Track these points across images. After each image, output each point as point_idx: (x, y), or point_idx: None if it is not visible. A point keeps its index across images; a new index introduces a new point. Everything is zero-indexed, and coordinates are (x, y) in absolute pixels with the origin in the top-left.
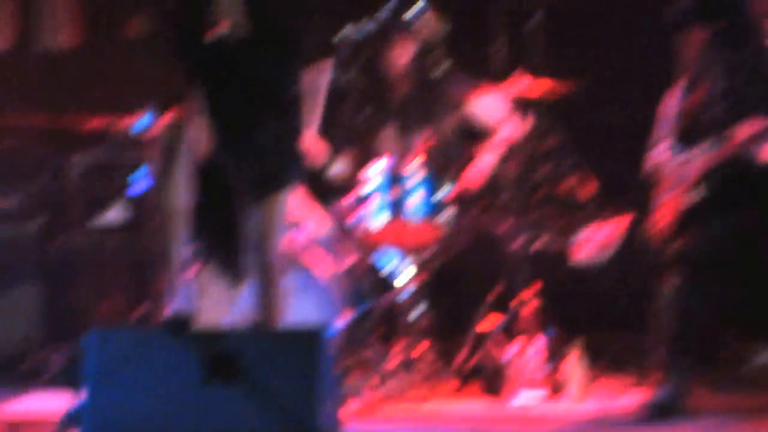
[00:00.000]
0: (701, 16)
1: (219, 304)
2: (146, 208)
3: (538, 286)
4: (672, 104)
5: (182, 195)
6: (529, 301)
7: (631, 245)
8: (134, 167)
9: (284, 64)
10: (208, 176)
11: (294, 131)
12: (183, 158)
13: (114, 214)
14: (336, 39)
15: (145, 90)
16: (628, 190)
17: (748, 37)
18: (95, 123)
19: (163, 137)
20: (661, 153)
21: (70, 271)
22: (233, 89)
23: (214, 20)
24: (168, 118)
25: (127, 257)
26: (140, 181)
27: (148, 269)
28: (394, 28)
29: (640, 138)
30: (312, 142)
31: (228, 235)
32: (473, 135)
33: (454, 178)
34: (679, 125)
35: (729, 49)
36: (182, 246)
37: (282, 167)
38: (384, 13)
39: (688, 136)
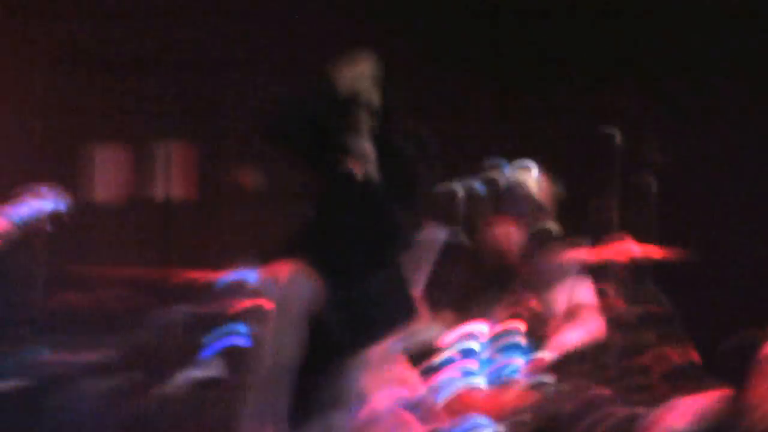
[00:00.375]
0: None
1: None
2: (238, 365)
3: None
4: None
5: (288, 353)
6: None
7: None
8: (231, 320)
9: (407, 215)
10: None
11: (404, 283)
12: (291, 315)
13: (206, 369)
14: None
15: (249, 243)
16: (728, 362)
17: None
18: (196, 275)
19: (270, 291)
20: None
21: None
22: (352, 233)
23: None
24: (273, 272)
25: (221, 412)
26: (236, 336)
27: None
28: (504, 203)
29: (747, 311)
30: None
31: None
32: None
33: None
34: None
35: None
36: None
37: (394, 314)
38: (494, 173)
39: None
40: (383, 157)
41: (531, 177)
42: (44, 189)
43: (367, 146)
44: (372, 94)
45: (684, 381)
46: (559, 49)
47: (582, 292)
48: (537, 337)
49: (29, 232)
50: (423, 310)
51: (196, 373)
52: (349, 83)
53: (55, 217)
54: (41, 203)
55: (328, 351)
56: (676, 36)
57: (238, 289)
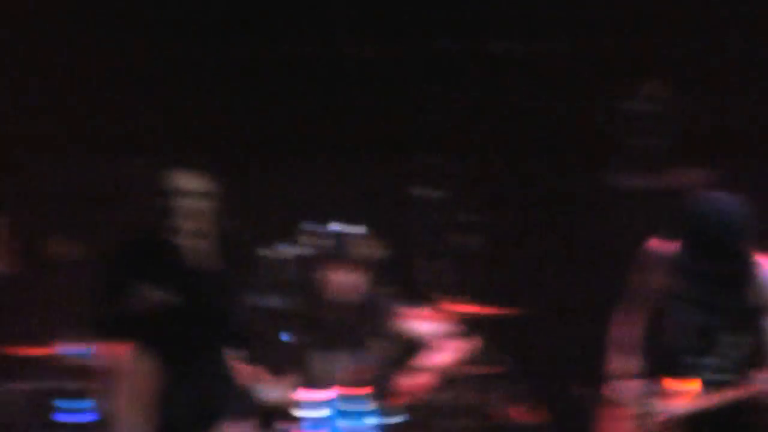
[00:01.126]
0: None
1: None
2: None
3: None
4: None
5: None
6: None
7: None
8: (72, 396)
9: (234, 299)
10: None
11: (229, 365)
12: (138, 393)
13: None
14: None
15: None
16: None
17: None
18: (32, 351)
19: (110, 370)
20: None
21: None
22: (183, 321)
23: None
24: (110, 351)
25: None
26: (83, 412)
27: None
28: (331, 255)
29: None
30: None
31: None
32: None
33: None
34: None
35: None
36: None
37: (223, 402)
38: (323, 238)
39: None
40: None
41: (355, 236)
42: None
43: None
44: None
45: None
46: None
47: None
48: (383, 400)
49: None
50: (264, 374)
51: None
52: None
53: None
54: None
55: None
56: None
57: (74, 365)
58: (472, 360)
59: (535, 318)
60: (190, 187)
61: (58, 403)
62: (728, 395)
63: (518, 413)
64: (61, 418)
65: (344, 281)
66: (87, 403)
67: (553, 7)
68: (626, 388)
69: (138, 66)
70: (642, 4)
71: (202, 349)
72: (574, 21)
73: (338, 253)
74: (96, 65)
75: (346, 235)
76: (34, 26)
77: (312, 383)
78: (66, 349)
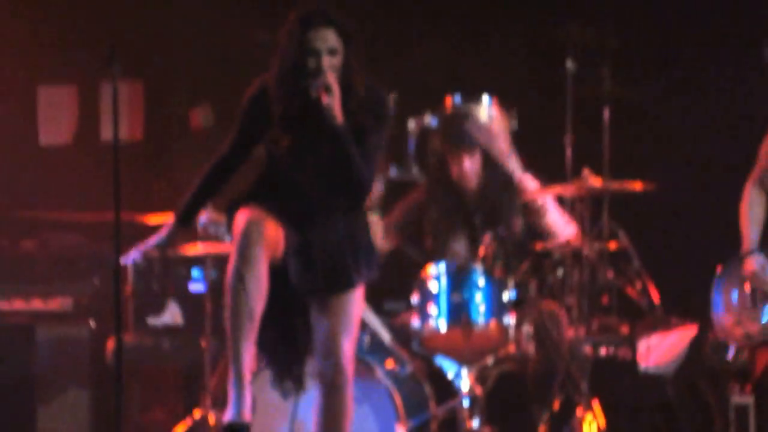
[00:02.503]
0: None
1: (274, 414)
2: (203, 310)
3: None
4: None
5: (254, 295)
6: (590, 417)
7: (698, 355)
8: (192, 264)
9: (369, 162)
10: (276, 282)
11: (366, 227)
12: (258, 255)
13: (170, 316)
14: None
15: None
16: (693, 298)
17: None
18: (156, 220)
19: (239, 237)
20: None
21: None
22: (319, 176)
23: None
24: (237, 217)
25: (181, 360)
26: (198, 282)
27: (202, 373)
28: (459, 136)
29: (710, 243)
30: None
31: (288, 345)
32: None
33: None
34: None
35: None
36: (244, 351)
37: (357, 263)
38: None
39: None
40: (345, 101)
41: (485, 109)
42: None
43: (332, 81)
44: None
45: (644, 319)
46: None
47: (556, 223)
48: (500, 275)
49: None
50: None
51: (157, 320)
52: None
53: None
54: None
55: (291, 296)
56: None
57: (194, 235)
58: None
59: (662, 194)
60: (323, 45)
61: (192, 269)
62: None
63: (635, 293)
64: (192, 284)
65: (470, 167)
66: (200, 272)
67: None
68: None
69: None
70: None
71: (333, 207)
72: None
73: (461, 136)
74: None
75: (473, 115)
76: None
77: (448, 257)
78: (202, 218)
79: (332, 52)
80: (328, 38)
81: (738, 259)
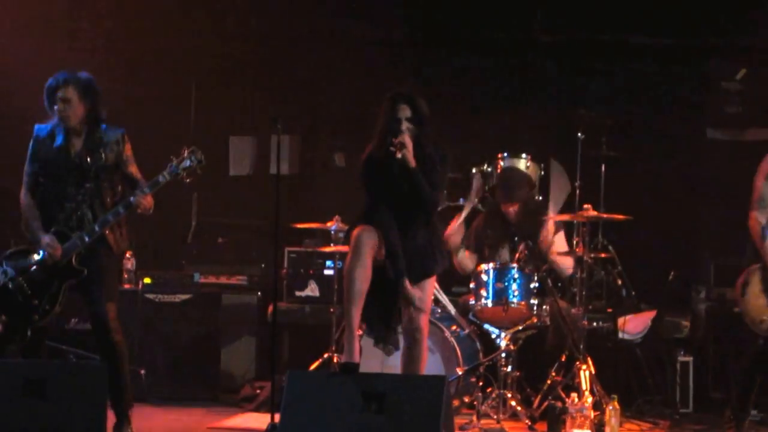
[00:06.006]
0: None
1: (373, 358)
2: (332, 287)
3: (589, 357)
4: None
5: (362, 279)
6: (585, 366)
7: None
8: (326, 257)
9: (435, 190)
10: (376, 274)
11: (439, 235)
12: (365, 254)
13: (310, 290)
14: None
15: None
16: (656, 292)
17: None
18: (305, 226)
19: (353, 242)
20: None
21: (278, 329)
22: (404, 202)
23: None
24: (351, 229)
25: (316, 321)
26: (330, 268)
27: (330, 329)
28: (508, 192)
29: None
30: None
31: (384, 317)
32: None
33: (539, 279)
34: None
35: None
36: (354, 316)
37: (433, 260)
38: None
39: None
40: (417, 152)
41: (524, 163)
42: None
43: (407, 140)
44: (411, 114)
45: (623, 304)
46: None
47: (560, 241)
48: (529, 272)
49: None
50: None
51: (302, 293)
52: (399, 108)
53: (194, 171)
54: (184, 163)
55: (388, 281)
56: None
57: (329, 237)
58: (590, 248)
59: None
60: (403, 114)
61: (326, 260)
62: None
63: (619, 287)
64: (326, 270)
65: (514, 207)
66: (332, 263)
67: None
68: None
69: None
70: None
71: (417, 220)
72: None
73: (510, 192)
74: None
75: (516, 167)
76: None
77: (495, 260)
78: (334, 225)
79: (408, 120)
80: (407, 111)
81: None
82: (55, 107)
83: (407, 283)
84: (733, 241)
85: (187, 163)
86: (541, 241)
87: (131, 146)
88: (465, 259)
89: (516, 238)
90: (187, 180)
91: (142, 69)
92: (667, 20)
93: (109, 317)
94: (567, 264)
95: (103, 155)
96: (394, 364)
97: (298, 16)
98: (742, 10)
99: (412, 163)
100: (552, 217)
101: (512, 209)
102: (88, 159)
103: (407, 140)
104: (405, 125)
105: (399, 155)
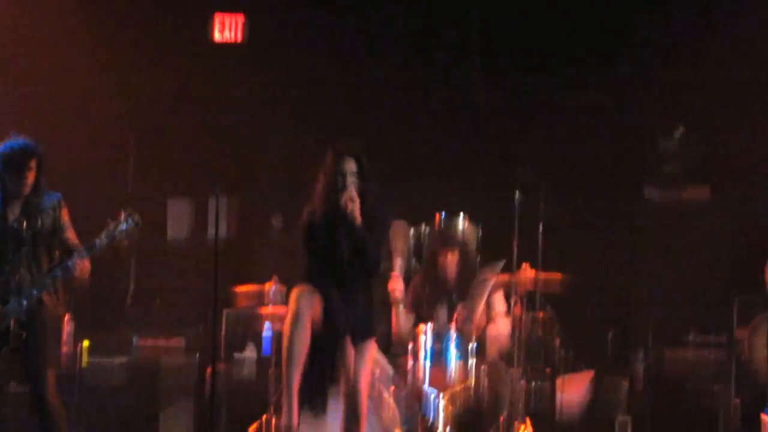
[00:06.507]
0: None
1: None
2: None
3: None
4: None
5: (301, 341)
6: (524, 427)
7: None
8: (264, 318)
9: (377, 248)
10: (317, 331)
11: (373, 298)
12: (305, 315)
13: (249, 352)
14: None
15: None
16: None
17: None
18: (242, 289)
19: (293, 303)
20: None
21: (216, 391)
22: (346, 262)
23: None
24: (293, 290)
25: (255, 382)
26: (268, 329)
27: (268, 390)
28: (446, 239)
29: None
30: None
31: (321, 376)
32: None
33: (477, 339)
34: None
35: None
36: (293, 378)
37: (373, 321)
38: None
39: None
40: (361, 209)
41: (461, 223)
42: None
43: (355, 195)
44: (356, 169)
45: (564, 364)
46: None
47: (498, 302)
48: (467, 333)
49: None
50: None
51: (240, 355)
52: (344, 163)
53: (131, 234)
54: (121, 226)
55: (327, 342)
56: None
57: (267, 299)
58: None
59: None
60: (351, 169)
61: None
62: None
63: (558, 347)
64: (265, 332)
65: (452, 260)
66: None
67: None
68: None
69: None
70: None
71: (357, 282)
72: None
73: (447, 239)
74: None
75: (454, 227)
76: None
77: (432, 319)
78: (272, 288)
79: (353, 174)
80: (352, 165)
81: None
82: (6, 176)
83: (348, 344)
84: (670, 301)
85: (124, 226)
86: (478, 300)
87: (68, 211)
88: (402, 316)
89: (454, 296)
90: (125, 243)
91: (79, 132)
92: (605, 80)
93: (47, 382)
94: (504, 330)
95: (39, 221)
96: (334, 426)
97: (235, 78)
98: (680, 69)
99: (359, 219)
100: (490, 277)
101: (451, 260)
102: (25, 224)
103: (355, 195)
104: (351, 180)
105: (350, 209)
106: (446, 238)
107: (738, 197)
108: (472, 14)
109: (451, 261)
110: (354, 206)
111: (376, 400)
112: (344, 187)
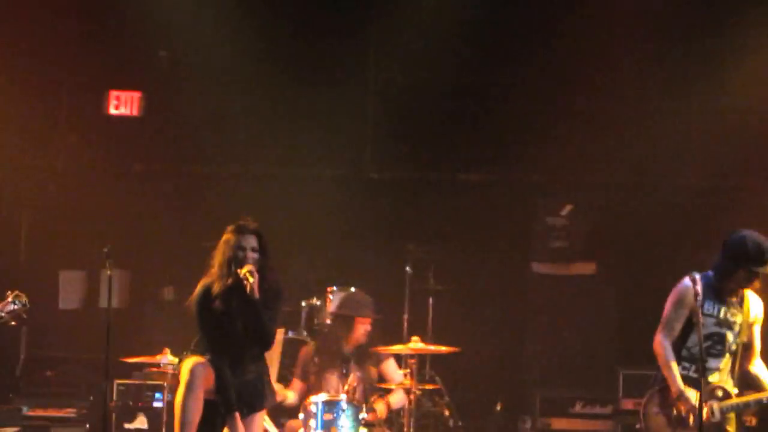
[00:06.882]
0: None
1: None
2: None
3: None
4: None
5: (193, 411)
6: None
7: None
8: (155, 389)
9: (273, 323)
10: (207, 402)
11: (266, 369)
12: (197, 386)
13: (139, 423)
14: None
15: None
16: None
17: None
18: (134, 359)
19: (181, 371)
20: None
21: None
22: (239, 336)
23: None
24: (183, 358)
25: None
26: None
27: None
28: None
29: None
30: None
31: None
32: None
33: (369, 408)
34: None
35: None
36: None
37: (263, 394)
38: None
39: None
40: (260, 284)
41: (354, 293)
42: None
43: (253, 269)
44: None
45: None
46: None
47: (392, 371)
48: (358, 402)
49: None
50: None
51: (131, 425)
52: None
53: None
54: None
55: (217, 414)
56: None
57: (158, 370)
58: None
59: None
60: (251, 245)
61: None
62: None
63: (447, 418)
64: (155, 402)
65: (341, 333)
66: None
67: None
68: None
69: None
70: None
71: (250, 355)
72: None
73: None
74: None
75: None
76: None
77: (323, 391)
78: (163, 358)
79: (254, 250)
80: (252, 241)
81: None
82: None
83: (237, 416)
84: (558, 372)
85: (11, 307)
86: (371, 370)
87: None
88: (293, 384)
89: (351, 364)
90: (12, 323)
91: None
92: (494, 158)
93: None
94: (401, 401)
95: None
96: None
97: (128, 152)
98: (567, 148)
99: (257, 294)
100: (381, 349)
101: (364, 329)
102: None
103: (254, 270)
104: (251, 255)
105: (251, 281)
106: (363, 306)
107: (622, 273)
108: (367, 100)
109: (366, 326)
110: (254, 280)
111: None
112: (245, 261)
